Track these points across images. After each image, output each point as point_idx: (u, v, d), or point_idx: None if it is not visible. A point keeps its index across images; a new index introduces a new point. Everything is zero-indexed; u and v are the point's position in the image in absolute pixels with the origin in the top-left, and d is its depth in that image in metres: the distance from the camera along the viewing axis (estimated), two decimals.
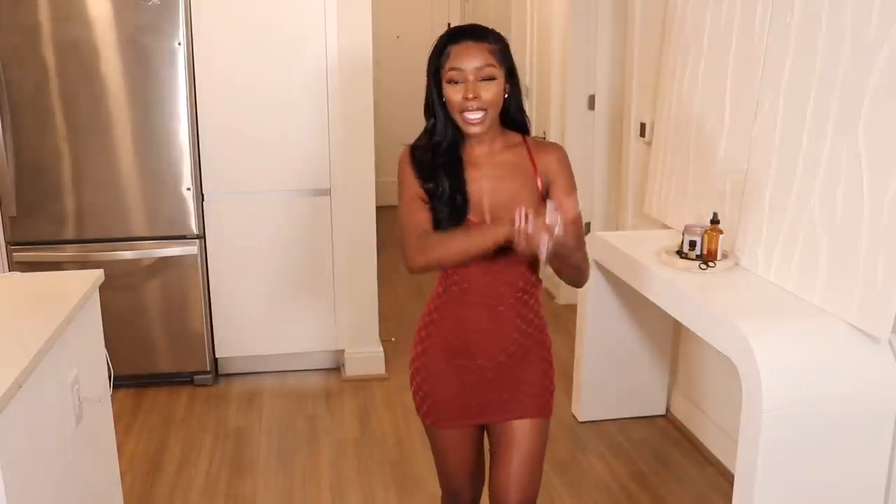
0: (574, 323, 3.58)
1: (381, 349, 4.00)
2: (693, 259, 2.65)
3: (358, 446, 3.34)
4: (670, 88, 3.21)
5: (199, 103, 3.63)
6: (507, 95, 1.86)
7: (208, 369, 3.87)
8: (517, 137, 1.94)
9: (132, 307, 3.74)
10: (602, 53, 4.50)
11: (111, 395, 2.40)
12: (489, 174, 1.89)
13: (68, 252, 3.64)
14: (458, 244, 1.83)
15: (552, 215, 1.63)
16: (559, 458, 3.22)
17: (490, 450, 2.06)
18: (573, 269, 1.89)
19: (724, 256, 2.65)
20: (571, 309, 3.78)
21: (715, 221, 2.65)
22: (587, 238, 3.38)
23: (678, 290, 2.51)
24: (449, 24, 6.68)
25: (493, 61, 1.81)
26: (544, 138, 5.04)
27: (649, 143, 3.51)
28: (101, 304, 2.34)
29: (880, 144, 2.11)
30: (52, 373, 1.91)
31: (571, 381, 3.61)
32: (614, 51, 4.41)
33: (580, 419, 3.50)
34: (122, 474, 2.62)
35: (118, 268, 3.63)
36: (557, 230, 1.63)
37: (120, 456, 2.63)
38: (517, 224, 1.65)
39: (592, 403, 3.48)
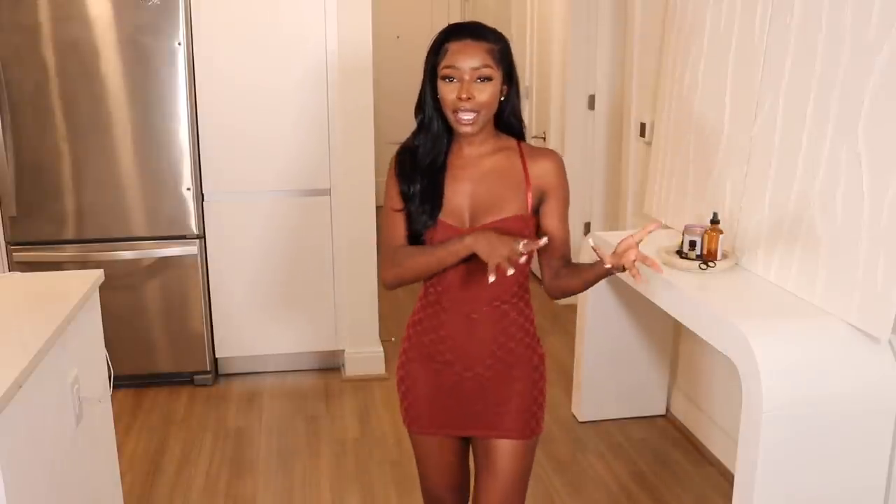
0: (574, 323, 3.58)
1: (381, 349, 4.00)
2: (693, 259, 2.65)
3: (358, 446, 3.34)
4: (670, 88, 3.21)
5: (199, 103, 3.63)
6: (503, 98, 1.81)
7: (208, 369, 3.87)
8: (511, 142, 1.88)
9: (132, 307, 3.74)
10: (602, 53, 4.50)
11: (111, 395, 2.40)
12: (474, 176, 1.84)
13: (68, 252, 3.64)
14: (423, 259, 1.82)
15: (524, 248, 1.66)
16: (559, 458, 3.22)
17: (475, 466, 2.02)
18: (567, 292, 1.90)
19: (724, 256, 2.65)
20: (571, 309, 3.78)
21: (715, 221, 2.65)
22: (587, 238, 3.38)
23: (678, 290, 2.51)
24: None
25: (490, 62, 1.75)
26: (545, 138, 5.05)
27: (649, 143, 3.51)
28: (101, 304, 2.34)
29: (880, 144, 2.11)
30: (52, 373, 1.91)
31: (571, 381, 3.61)
32: (614, 51, 4.41)
33: (580, 419, 3.50)
34: (122, 474, 2.62)
35: (118, 268, 3.63)
36: (523, 259, 1.69)
37: (120, 456, 2.63)
38: (489, 273, 1.68)
39: (592, 403, 3.48)
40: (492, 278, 1.67)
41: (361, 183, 3.83)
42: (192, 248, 3.73)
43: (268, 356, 4.00)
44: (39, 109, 3.50)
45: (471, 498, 2.04)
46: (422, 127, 1.86)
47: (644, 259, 1.63)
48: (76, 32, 3.45)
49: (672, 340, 3.50)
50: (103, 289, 2.32)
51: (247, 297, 3.87)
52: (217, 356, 3.93)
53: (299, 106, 3.72)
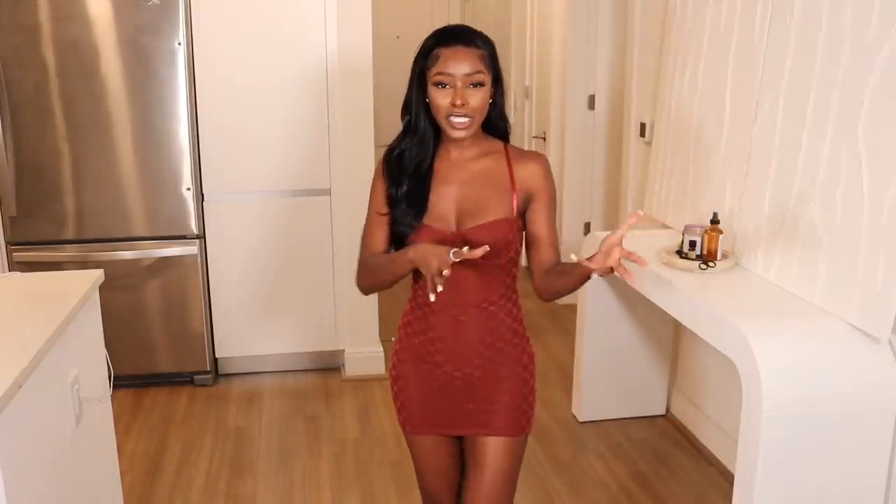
0: (574, 323, 3.58)
1: (381, 349, 4.00)
2: (693, 259, 2.65)
3: (358, 446, 3.34)
4: (670, 88, 3.21)
5: (199, 103, 3.63)
6: (490, 101, 1.82)
7: (208, 369, 3.87)
8: (498, 145, 1.89)
9: (132, 307, 3.74)
10: (602, 54, 4.50)
11: (111, 395, 2.40)
12: (461, 179, 1.85)
13: (68, 252, 3.64)
14: (382, 269, 1.86)
15: (454, 256, 1.66)
16: (559, 458, 3.22)
17: (464, 465, 2.03)
18: (557, 294, 1.88)
19: (724, 256, 2.65)
20: (571, 309, 3.78)
21: (715, 221, 2.64)
22: (586, 238, 3.38)
23: (678, 290, 2.51)
24: None
25: (482, 67, 1.77)
26: (544, 138, 5.05)
27: (649, 143, 3.51)
28: (101, 304, 2.34)
29: (880, 144, 2.11)
30: (52, 373, 1.91)
31: (571, 381, 3.61)
32: (614, 51, 4.41)
33: (580, 419, 3.50)
34: (122, 474, 2.62)
35: (118, 268, 3.63)
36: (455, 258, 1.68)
37: (120, 456, 2.63)
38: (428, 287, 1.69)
39: (592, 403, 3.48)
40: (432, 297, 1.69)
41: (361, 182, 3.77)
42: (192, 248, 3.73)
43: (268, 356, 4.00)
44: (39, 109, 3.50)
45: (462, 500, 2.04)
46: (408, 130, 1.87)
47: (629, 255, 1.63)
48: (76, 32, 3.45)
49: (672, 340, 3.50)
50: (103, 289, 2.33)
51: (247, 297, 3.87)
52: (217, 356, 3.93)
53: (299, 106, 3.72)
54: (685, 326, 2.65)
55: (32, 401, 1.77)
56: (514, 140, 1.96)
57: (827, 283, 2.26)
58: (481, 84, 1.77)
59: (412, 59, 1.84)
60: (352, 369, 3.97)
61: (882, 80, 2.10)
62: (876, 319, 2.08)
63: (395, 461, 3.20)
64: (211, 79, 3.62)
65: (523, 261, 1.92)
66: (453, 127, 1.79)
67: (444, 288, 1.68)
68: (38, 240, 3.63)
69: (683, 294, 2.49)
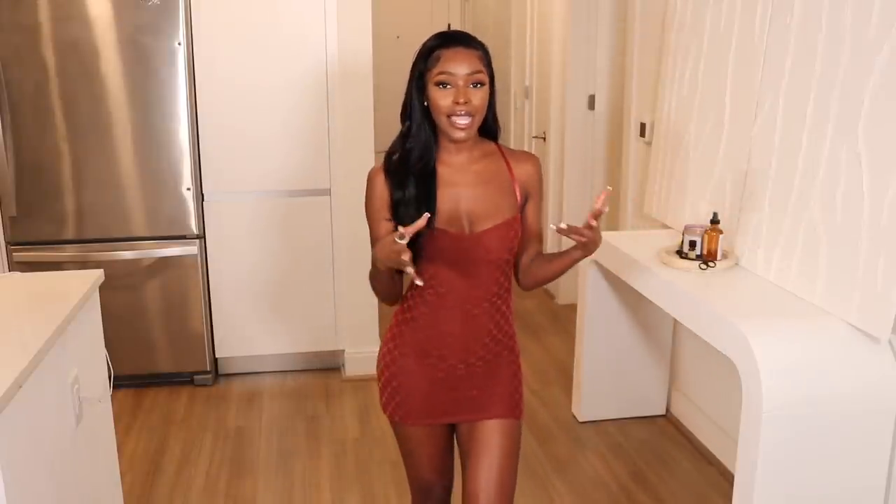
0: (574, 323, 3.58)
1: None
2: (693, 259, 2.65)
3: (358, 446, 3.34)
4: (670, 88, 3.21)
5: (199, 103, 3.63)
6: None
7: (208, 369, 3.87)
8: (491, 145, 1.95)
9: (132, 307, 3.74)
10: (602, 54, 4.50)
11: (111, 395, 2.40)
12: (468, 182, 1.89)
13: (68, 252, 3.64)
14: (374, 279, 1.92)
15: (399, 238, 1.69)
16: (559, 457, 3.22)
17: (460, 454, 2.04)
18: (540, 282, 2.02)
19: (724, 256, 2.65)
20: (571, 309, 3.78)
21: (715, 221, 2.65)
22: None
23: (678, 289, 2.51)
24: (449, 25, 6.68)
25: (482, 67, 1.81)
26: (545, 138, 5.05)
27: (649, 143, 3.51)
28: (101, 304, 2.34)
29: (880, 144, 2.11)
30: (52, 373, 1.91)
31: (571, 381, 3.61)
32: (614, 51, 4.41)
33: (580, 419, 3.50)
34: (122, 474, 2.62)
35: (118, 268, 3.63)
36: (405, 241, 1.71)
37: (120, 456, 2.63)
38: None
39: (592, 403, 3.48)
40: (418, 281, 1.76)
41: (361, 183, 3.74)
42: (192, 248, 3.73)
43: (268, 356, 4.00)
44: (39, 109, 3.50)
45: (462, 488, 2.04)
46: (409, 133, 1.89)
47: (596, 214, 1.75)
48: (76, 32, 3.45)
49: (672, 340, 3.50)
50: (103, 289, 2.33)
51: (247, 297, 3.87)
52: (217, 356, 3.93)
53: (299, 105, 3.72)
54: (685, 326, 2.65)
55: (32, 401, 1.77)
56: (515, 140, 1.99)
57: (827, 282, 2.26)
58: (482, 84, 1.81)
59: (412, 61, 1.86)
60: (352, 369, 3.97)
61: (882, 80, 2.10)
62: (876, 319, 2.08)
63: (395, 461, 3.20)
64: (211, 79, 3.62)
65: None
66: (455, 127, 1.81)
67: (413, 269, 1.72)
68: (38, 240, 3.63)
69: (683, 294, 2.49)
